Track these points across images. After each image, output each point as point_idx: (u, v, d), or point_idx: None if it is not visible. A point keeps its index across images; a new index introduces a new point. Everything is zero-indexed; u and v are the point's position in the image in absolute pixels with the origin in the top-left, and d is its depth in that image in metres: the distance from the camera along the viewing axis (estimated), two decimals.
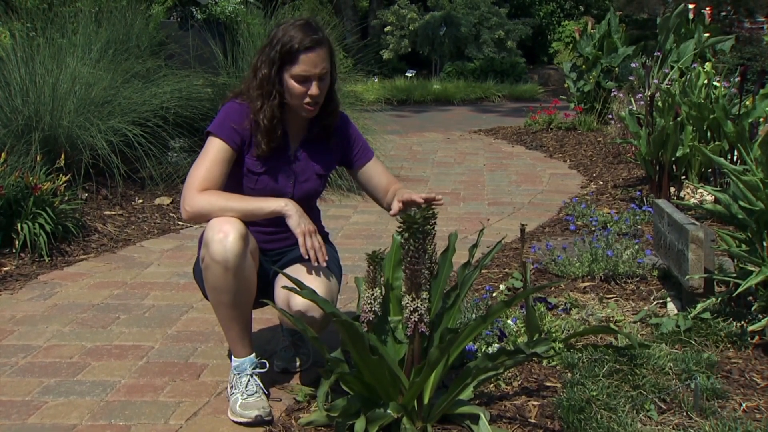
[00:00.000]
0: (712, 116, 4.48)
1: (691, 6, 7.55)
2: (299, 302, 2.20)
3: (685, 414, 2.15)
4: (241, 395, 2.24)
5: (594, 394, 2.20)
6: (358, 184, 2.58)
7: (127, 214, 4.60)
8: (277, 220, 2.30)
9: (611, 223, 4.11)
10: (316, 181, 2.45)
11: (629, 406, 2.16)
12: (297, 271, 2.30)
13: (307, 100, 2.29)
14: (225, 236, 2.15)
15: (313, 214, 2.48)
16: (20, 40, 4.90)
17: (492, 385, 2.38)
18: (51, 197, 3.95)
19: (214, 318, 2.94)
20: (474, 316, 2.76)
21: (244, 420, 2.20)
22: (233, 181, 2.34)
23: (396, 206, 2.27)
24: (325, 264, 2.26)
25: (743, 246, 2.76)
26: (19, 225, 3.80)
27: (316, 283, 2.24)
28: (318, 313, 2.21)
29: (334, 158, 2.50)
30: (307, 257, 2.24)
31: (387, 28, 13.41)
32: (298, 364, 2.59)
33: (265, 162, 2.35)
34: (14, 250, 3.79)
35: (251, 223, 2.28)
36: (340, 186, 5.28)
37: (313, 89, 2.27)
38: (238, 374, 2.28)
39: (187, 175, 2.30)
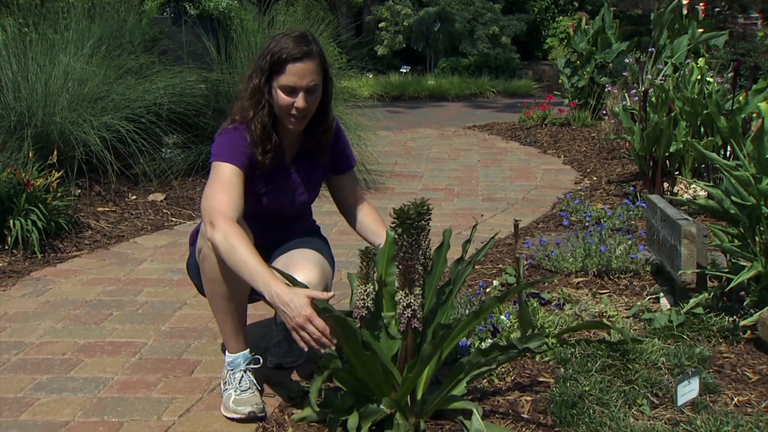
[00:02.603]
0: (705, 112, 4.48)
1: (684, 2, 7.55)
2: None
3: (677, 408, 2.15)
4: (235, 391, 2.24)
5: (587, 389, 2.21)
6: (326, 185, 2.59)
7: (121, 210, 4.59)
8: (272, 222, 2.34)
9: (605, 219, 4.12)
10: (312, 191, 2.50)
11: (622, 401, 2.16)
12: (289, 263, 2.30)
13: (293, 112, 2.26)
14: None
15: (305, 215, 2.57)
16: (12, 35, 4.88)
17: (485, 380, 2.38)
18: (43, 193, 3.94)
19: (207, 314, 2.94)
20: (467, 311, 2.76)
21: (237, 416, 2.20)
22: None
23: None
24: (333, 347, 2.03)
25: (735, 241, 2.77)
26: (11, 221, 3.79)
27: (309, 274, 2.25)
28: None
29: (327, 167, 2.53)
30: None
31: (381, 24, 13.38)
32: (291, 360, 2.59)
33: (267, 182, 2.36)
34: (6, 247, 3.77)
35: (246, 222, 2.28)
36: None
37: (300, 102, 2.24)
38: (232, 370, 2.28)
39: (203, 197, 2.22)
